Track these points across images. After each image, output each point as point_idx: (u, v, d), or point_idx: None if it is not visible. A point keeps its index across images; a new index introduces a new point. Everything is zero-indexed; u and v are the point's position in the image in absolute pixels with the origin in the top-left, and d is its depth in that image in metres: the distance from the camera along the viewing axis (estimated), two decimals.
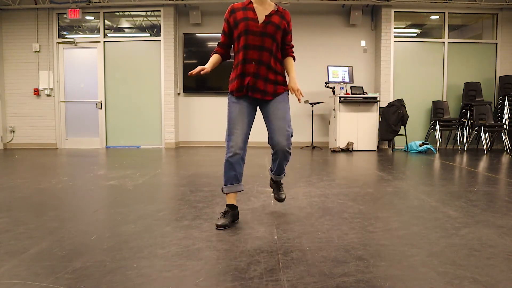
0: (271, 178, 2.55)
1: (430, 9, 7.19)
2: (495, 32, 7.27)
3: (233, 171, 2.22)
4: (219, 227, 2.12)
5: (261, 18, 2.17)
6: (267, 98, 2.23)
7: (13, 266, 1.59)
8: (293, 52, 2.38)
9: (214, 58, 2.30)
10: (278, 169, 2.40)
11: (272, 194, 2.61)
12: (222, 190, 2.30)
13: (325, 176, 3.92)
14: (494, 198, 2.89)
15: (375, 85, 7.40)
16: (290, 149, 2.25)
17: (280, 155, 2.26)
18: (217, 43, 2.36)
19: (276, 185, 2.54)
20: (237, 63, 2.21)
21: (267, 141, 2.29)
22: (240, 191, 2.30)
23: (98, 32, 7.32)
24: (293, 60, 2.37)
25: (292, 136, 2.26)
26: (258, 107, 2.32)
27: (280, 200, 2.51)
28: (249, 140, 2.29)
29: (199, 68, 2.18)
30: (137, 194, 3.08)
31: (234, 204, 2.26)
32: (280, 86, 2.26)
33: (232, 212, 2.23)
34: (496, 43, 7.24)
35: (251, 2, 2.21)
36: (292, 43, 2.39)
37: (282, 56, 2.32)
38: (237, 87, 2.20)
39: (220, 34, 2.35)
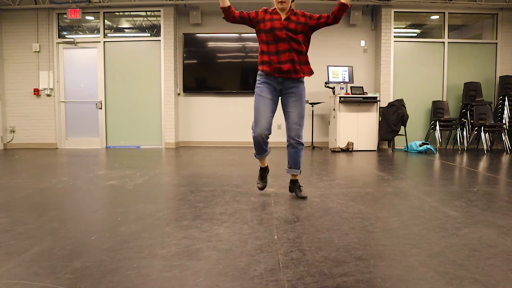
0: (290, 180, 2.97)
1: (430, 9, 7.19)
2: (495, 32, 7.27)
3: (261, 146, 2.82)
4: (261, 189, 2.98)
5: (284, 17, 2.70)
6: (300, 76, 2.74)
7: (13, 266, 1.59)
8: (335, 12, 2.74)
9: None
10: (293, 161, 2.84)
11: (294, 195, 2.98)
12: (255, 156, 2.94)
13: (325, 176, 3.92)
14: (494, 198, 2.90)
15: (375, 85, 7.40)
16: (302, 139, 2.77)
17: (294, 145, 2.77)
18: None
19: (295, 186, 2.95)
20: (270, 52, 2.70)
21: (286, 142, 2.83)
22: (268, 154, 2.94)
23: (98, 32, 7.32)
24: (342, 6, 2.71)
25: (303, 130, 2.79)
26: (280, 97, 2.81)
27: (302, 198, 2.88)
28: (250, 140, 2.79)
29: None
30: (137, 194, 3.08)
31: (266, 166, 3.02)
32: (310, 70, 2.77)
33: (265, 175, 3.02)
34: (496, 43, 7.24)
35: (275, 9, 2.74)
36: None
37: (334, 18, 2.77)
38: (277, 70, 2.70)
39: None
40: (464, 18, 7.40)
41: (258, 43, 2.82)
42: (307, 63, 2.77)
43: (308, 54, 2.80)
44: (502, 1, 7.03)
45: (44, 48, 7.22)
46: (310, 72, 2.78)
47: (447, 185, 3.40)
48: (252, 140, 2.82)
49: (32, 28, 7.19)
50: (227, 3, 2.71)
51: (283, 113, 2.82)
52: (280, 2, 2.65)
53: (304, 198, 2.87)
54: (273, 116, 2.78)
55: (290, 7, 2.74)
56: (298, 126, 2.74)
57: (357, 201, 2.79)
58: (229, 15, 2.74)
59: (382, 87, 7.13)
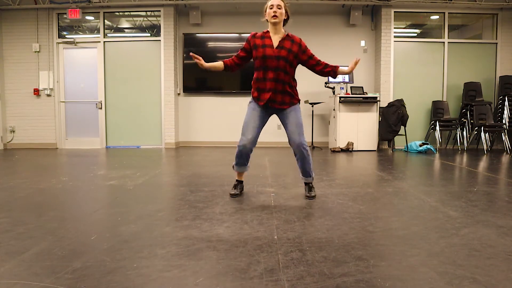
0: (304, 182, 3.02)
1: (430, 9, 7.19)
2: (495, 32, 7.27)
3: (242, 158, 2.88)
4: (232, 195, 2.94)
5: (275, 44, 2.72)
6: (284, 107, 2.80)
7: (13, 266, 1.59)
8: (328, 67, 2.81)
9: (217, 64, 2.86)
10: (302, 170, 2.90)
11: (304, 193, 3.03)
12: (233, 168, 2.99)
13: (325, 176, 3.92)
14: (494, 198, 2.90)
15: (375, 85, 7.40)
16: (305, 145, 2.79)
17: (298, 153, 2.81)
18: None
19: (308, 187, 3.00)
20: (258, 79, 2.77)
21: (286, 142, 2.90)
22: (245, 171, 3.02)
23: (98, 32, 7.32)
24: (335, 72, 2.83)
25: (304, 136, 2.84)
26: (275, 114, 2.87)
27: (310, 197, 2.92)
28: None
29: (200, 59, 2.76)
30: (137, 194, 3.08)
31: (241, 180, 3.06)
32: (295, 98, 2.83)
33: (240, 185, 3.05)
34: (496, 43, 7.24)
35: (268, 32, 2.77)
36: (315, 55, 2.85)
37: (320, 73, 2.85)
38: (260, 99, 2.78)
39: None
40: (464, 18, 7.40)
41: None
42: (292, 95, 2.80)
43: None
44: (502, 1, 7.03)
45: (44, 48, 7.22)
46: (293, 101, 2.83)
47: (447, 185, 3.40)
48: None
49: (32, 28, 7.19)
50: (221, 66, 2.84)
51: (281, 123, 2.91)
52: (273, 16, 2.67)
53: (310, 197, 2.90)
54: (260, 130, 2.83)
55: (286, 32, 2.76)
56: (298, 135, 2.79)
57: (357, 201, 2.79)
58: (232, 69, 2.87)
59: (382, 87, 7.13)
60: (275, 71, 2.70)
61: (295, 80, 2.87)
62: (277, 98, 2.76)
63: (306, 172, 2.90)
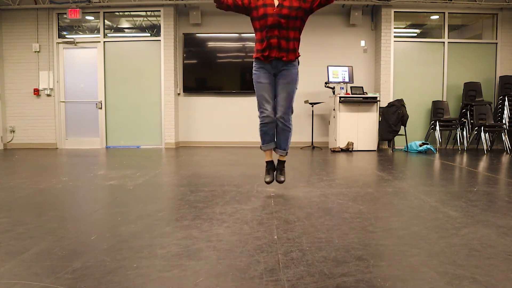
0: (278, 160, 3.03)
1: (430, 9, 7.19)
2: (495, 32, 7.27)
3: (267, 135, 2.90)
4: (268, 183, 2.99)
5: (276, 3, 2.76)
6: (287, 60, 2.79)
7: (13, 266, 1.59)
8: None
9: None
10: (279, 142, 2.94)
11: (274, 178, 3.04)
12: (260, 148, 3.00)
13: (325, 176, 3.92)
14: (494, 198, 2.90)
15: (375, 85, 7.40)
16: (288, 122, 2.85)
17: (280, 125, 2.86)
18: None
19: (279, 167, 3.02)
20: (262, 38, 2.80)
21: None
22: (273, 148, 2.98)
23: (98, 32, 7.32)
24: None
25: (292, 112, 2.88)
26: (276, 74, 2.86)
27: (278, 181, 3.01)
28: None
29: None
30: (137, 194, 3.08)
31: (271, 160, 3.02)
32: (296, 56, 2.84)
33: (272, 166, 3.02)
34: (496, 43, 7.24)
35: None
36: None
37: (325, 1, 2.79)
38: (265, 57, 2.78)
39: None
40: (464, 18, 7.40)
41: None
42: (294, 50, 2.82)
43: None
44: (502, 1, 7.03)
45: (44, 48, 7.22)
46: (296, 57, 2.85)
47: (447, 185, 3.40)
48: (258, 132, 2.92)
49: (32, 28, 7.19)
50: None
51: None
52: None
53: (279, 181, 3.00)
54: (275, 99, 2.88)
55: None
56: (285, 109, 2.82)
57: (357, 201, 2.79)
58: (222, 3, 2.81)
59: (382, 87, 7.13)
60: (278, 29, 2.73)
61: (300, 34, 2.86)
62: (282, 54, 2.77)
63: (282, 144, 2.94)
